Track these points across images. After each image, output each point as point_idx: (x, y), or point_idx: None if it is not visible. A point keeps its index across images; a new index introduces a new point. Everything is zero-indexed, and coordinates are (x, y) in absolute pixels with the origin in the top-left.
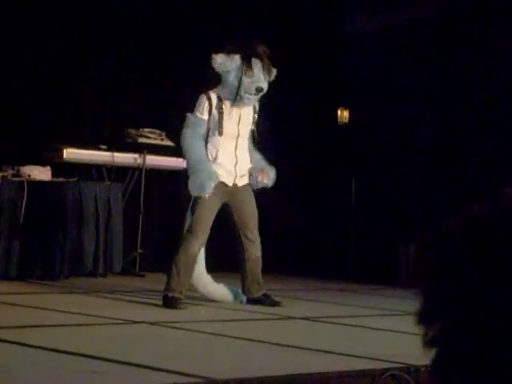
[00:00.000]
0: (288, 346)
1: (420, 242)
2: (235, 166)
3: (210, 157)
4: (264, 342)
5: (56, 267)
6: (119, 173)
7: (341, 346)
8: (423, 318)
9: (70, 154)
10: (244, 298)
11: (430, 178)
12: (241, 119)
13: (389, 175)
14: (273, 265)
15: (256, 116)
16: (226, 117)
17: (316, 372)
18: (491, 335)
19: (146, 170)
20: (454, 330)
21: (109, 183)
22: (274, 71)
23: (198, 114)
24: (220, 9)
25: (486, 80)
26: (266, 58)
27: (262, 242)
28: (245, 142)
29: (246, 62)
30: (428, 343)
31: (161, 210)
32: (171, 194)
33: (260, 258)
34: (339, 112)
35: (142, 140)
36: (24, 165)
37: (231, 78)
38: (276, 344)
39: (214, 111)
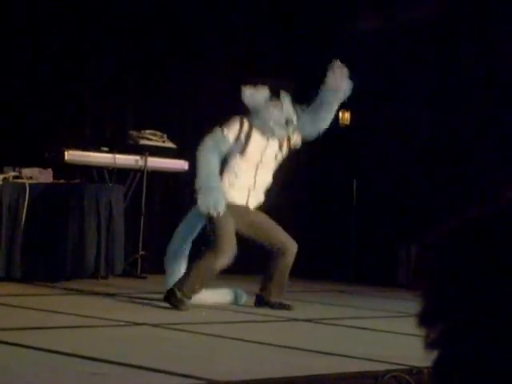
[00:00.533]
0: (290, 347)
1: (421, 243)
2: (250, 191)
3: (227, 179)
4: (266, 343)
5: (58, 269)
6: (121, 175)
7: (342, 348)
8: (424, 319)
9: (72, 155)
10: (244, 300)
11: (430, 178)
12: (266, 148)
13: (389, 176)
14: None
15: (286, 147)
16: (251, 143)
17: (318, 374)
18: (492, 336)
19: (147, 171)
20: (456, 331)
21: (110, 185)
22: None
23: (225, 131)
24: (220, 8)
25: (486, 80)
26: (289, 93)
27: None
28: (266, 171)
29: (275, 96)
30: (430, 345)
31: (162, 212)
32: (173, 195)
33: (290, 264)
34: (340, 114)
35: (143, 142)
36: (25, 167)
37: (260, 110)
38: (278, 346)
39: (242, 136)
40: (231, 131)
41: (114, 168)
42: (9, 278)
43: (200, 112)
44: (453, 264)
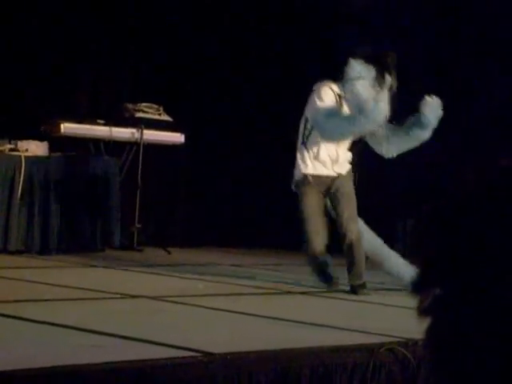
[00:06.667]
0: (286, 320)
1: (417, 214)
2: (334, 164)
3: (311, 152)
4: (262, 316)
5: (54, 242)
6: (116, 147)
7: (338, 321)
8: (418, 286)
9: (68, 128)
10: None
11: (428, 154)
12: None
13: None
14: (271, 240)
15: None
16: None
17: (313, 346)
18: (484, 303)
19: (143, 144)
20: (448, 299)
21: (106, 158)
22: (395, 82)
23: (328, 102)
24: None
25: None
26: (394, 70)
27: (258, 217)
28: (346, 142)
29: (380, 78)
30: (422, 312)
31: (158, 185)
32: (168, 168)
33: (352, 245)
34: None
35: (139, 115)
36: (21, 139)
37: (359, 87)
38: (274, 318)
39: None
40: (329, 99)
41: (110, 141)
42: (5, 250)
43: (197, 85)
44: (446, 232)
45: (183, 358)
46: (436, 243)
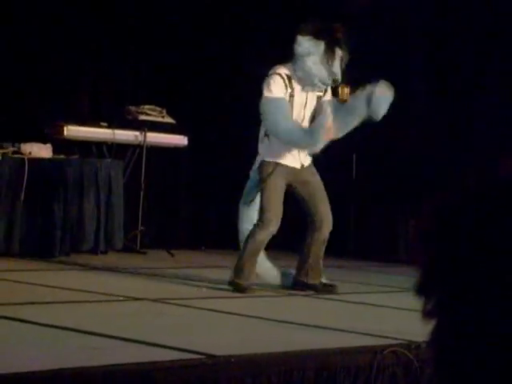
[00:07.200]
0: (289, 322)
1: (418, 213)
2: (299, 150)
3: (276, 143)
4: (265, 318)
5: (57, 244)
6: (120, 150)
7: (341, 323)
8: (421, 289)
9: (71, 131)
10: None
11: (430, 153)
12: (307, 103)
13: (390, 151)
14: (273, 241)
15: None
16: (295, 99)
17: (316, 349)
18: (487, 305)
19: (146, 147)
20: (451, 301)
21: (109, 160)
22: (346, 55)
23: (276, 94)
24: None
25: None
26: (345, 44)
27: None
28: (307, 125)
29: (330, 52)
30: (426, 315)
31: (161, 187)
32: (172, 171)
33: (326, 240)
34: (340, 89)
35: (142, 117)
36: (25, 142)
37: (310, 63)
38: (277, 321)
39: (287, 95)
40: (281, 89)
41: (113, 143)
42: (8, 253)
43: (197, 85)
44: (446, 232)
45: (186, 360)
46: (436, 243)
